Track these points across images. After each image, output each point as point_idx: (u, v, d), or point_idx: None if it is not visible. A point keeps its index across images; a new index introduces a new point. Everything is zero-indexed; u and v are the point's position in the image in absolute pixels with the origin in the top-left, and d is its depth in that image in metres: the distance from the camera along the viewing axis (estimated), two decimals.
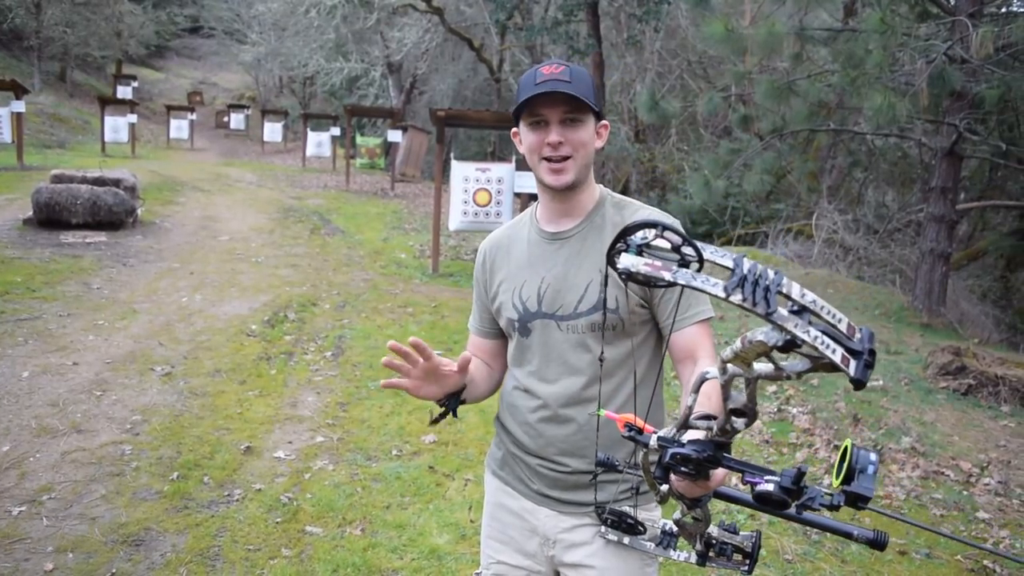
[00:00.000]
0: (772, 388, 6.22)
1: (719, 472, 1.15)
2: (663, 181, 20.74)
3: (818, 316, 0.90)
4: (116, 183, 10.51)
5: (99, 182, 10.30)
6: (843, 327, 0.90)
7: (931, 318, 9.86)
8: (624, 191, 17.50)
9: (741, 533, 1.30)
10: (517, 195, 9.38)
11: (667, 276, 0.93)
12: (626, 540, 1.50)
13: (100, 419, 4.60)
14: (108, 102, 21.16)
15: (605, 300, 1.61)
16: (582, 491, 1.69)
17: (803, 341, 0.88)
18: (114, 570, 3.15)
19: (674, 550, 1.43)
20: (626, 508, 1.46)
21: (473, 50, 21.33)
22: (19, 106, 14.64)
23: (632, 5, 16.54)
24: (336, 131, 21.75)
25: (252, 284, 8.27)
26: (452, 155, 10.35)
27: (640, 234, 0.99)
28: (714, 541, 1.30)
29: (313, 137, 21.75)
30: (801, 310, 0.90)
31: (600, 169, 18.80)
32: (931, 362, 7.16)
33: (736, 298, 0.90)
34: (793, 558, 3.69)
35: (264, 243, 10.69)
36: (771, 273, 0.91)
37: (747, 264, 0.91)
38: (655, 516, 1.70)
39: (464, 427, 4.99)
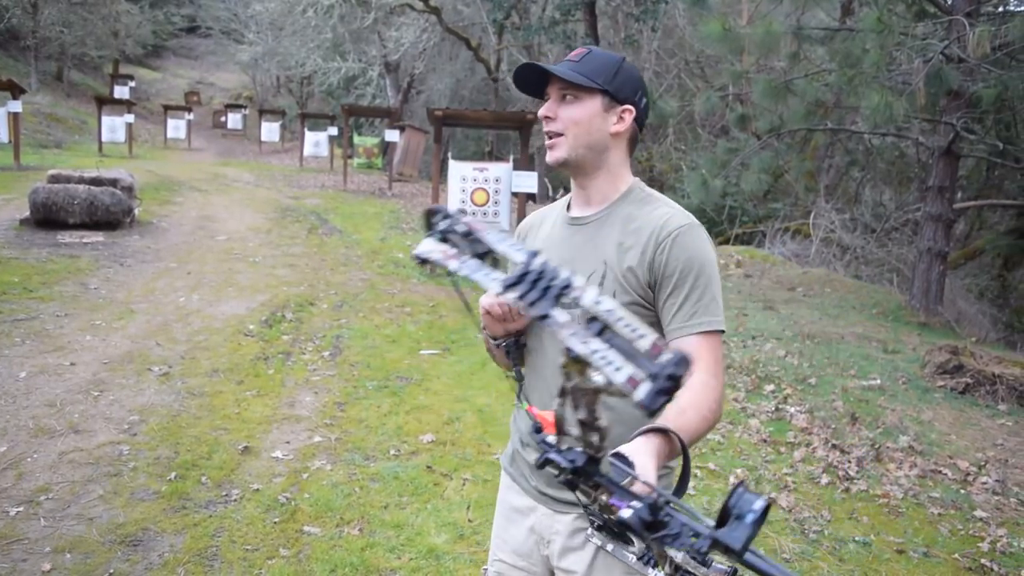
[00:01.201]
0: (770, 387, 6.23)
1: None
2: (660, 180, 20.74)
3: (612, 329, 0.84)
4: (113, 183, 10.49)
5: (96, 182, 10.28)
6: (644, 344, 0.83)
7: (928, 317, 9.87)
8: None
9: (714, 565, 1.14)
10: (514, 195, 9.38)
11: (453, 265, 0.91)
12: (609, 547, 1.40)
13: (97, 419, 4.60)
14: (105, 102, 21.12)
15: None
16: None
17: (576, 353, 0.82)
18: (112, 570, 3.15)
19: (653, 568, 1.32)
20: None
21: (470, 49, 21.32)
22: (16, 106, 14.61)
23: (630, 4, 16.55)
24: (333, 131, 21.73)
25: (249, 284, 8.26)
26: (449, 155, 10.34)
27: (448, 219, 0.96)
28: (679, 568, 1.15)
29: (310, 137, 21.73)
30: (592, 320, 0.84)
31: None
32: (928, 361, 7.17)
33: (511, 296, 0.86)
34: (791, 557, 3.69)
35: (261, 243, 10.68)
36: (563, 275, 0.86)
37: (538, 262, 0.87)
38: None
39: (462, 427, 4.99)
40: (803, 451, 5.03)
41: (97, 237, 9.63)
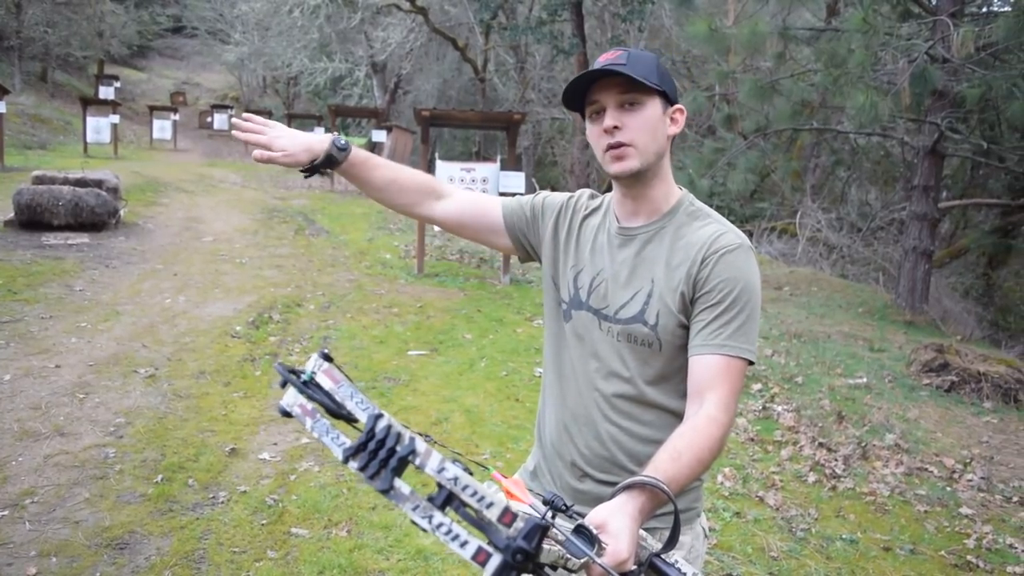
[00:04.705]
0: (757, 386, 6.25)
1: (617, 553, 1.05)
2: None
3: (459, 498, 0.82)
4: (98, 184, 10.41)
5: (81, 183, 10.20)
6: (493, 513, 0.81)
7: (914, 315, 9.94)
8: (609, 189, 17.58)
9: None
10: (502, 195, 9.37)
11: (308, 424, 0.90)
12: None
13: (83, 422, 4.56)
14: (90, 102, 20.95)
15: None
16: None
17: (421, 528, 0.81)
18: (98, 574, 3.12)
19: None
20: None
21: (457, 50, 21.31)
22: (0, 107, 14.50)
23: (616, 5, 16.58)
24: (320, 131, 21.55)
25: (236, 285, 8.22)
26: (437, 155, 10.33)
27: (311, 365, 0.93)
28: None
29: None
30: (439, 487, 0.82)
31: (586, 168, 18.83)
32: (914, 359, 7.22)
33: (353, 465, 0.83)
34: (778, 555, 3.71)
35: (248, 244, 10.63)
36: (408, 439, 0.82)
37: (382, 425, 0.83)
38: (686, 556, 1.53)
39: (450, 427, 4.98)
40: (790, 449, 5.05)
41: (82, 239, 9.56)
